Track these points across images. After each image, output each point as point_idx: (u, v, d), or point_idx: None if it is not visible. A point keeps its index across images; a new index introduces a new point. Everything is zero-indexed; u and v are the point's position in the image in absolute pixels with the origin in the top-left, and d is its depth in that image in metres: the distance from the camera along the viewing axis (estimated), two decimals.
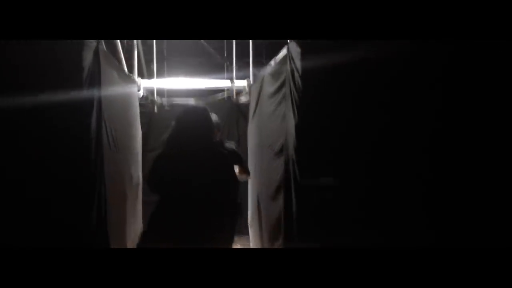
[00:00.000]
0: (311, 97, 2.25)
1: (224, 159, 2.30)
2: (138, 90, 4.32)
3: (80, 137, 2.23)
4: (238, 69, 5.37)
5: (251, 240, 4.04)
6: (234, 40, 5.15)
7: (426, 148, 2.33)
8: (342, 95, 2.30)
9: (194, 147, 2.21)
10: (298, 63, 2.25)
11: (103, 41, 2.51)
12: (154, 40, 5.26)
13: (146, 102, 5.61)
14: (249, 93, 4.40)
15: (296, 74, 2.27)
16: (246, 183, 4.27)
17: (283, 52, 2.51)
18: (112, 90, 2.86)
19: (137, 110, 4.06)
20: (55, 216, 2.20)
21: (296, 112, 2.26)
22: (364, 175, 2.28)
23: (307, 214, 2.27)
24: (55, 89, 2.12)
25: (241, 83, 4.89)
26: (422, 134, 2.33)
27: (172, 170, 2.20)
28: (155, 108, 5.89)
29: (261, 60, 6.11)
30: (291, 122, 2.31)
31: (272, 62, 3.01)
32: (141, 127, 4.32)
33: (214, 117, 2.57)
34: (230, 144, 3.31)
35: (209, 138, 2.30)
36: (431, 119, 2.33)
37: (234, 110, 5.67)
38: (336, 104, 2.29)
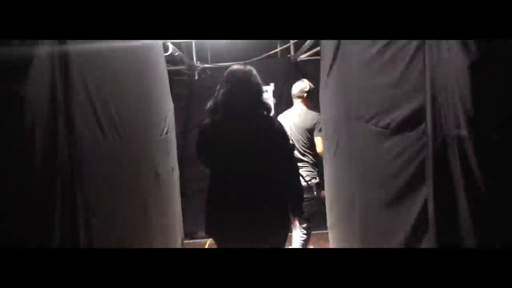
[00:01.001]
0: None
1: (274, 128, 2.12)
2: (165, 51, 3.16)
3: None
4: None
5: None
6: None
7: None
8: None
9: (241, 114, 2.06)
10: None
11: None
12: None
13: (183, 67, 4.51)
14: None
15: None
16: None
17: None
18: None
19: (163, 75, 2.92)
20: None
21: None
22: None
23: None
24: None
25: None
26: None
27: (219, 142, 2.08)
28: (196, 75, 4.79)
29: None
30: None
31: None
32: (178, 100, 3.18)
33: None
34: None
35: (257, 103, 2.10)
36: None
37: (293, 70, 4.45)
38: None
